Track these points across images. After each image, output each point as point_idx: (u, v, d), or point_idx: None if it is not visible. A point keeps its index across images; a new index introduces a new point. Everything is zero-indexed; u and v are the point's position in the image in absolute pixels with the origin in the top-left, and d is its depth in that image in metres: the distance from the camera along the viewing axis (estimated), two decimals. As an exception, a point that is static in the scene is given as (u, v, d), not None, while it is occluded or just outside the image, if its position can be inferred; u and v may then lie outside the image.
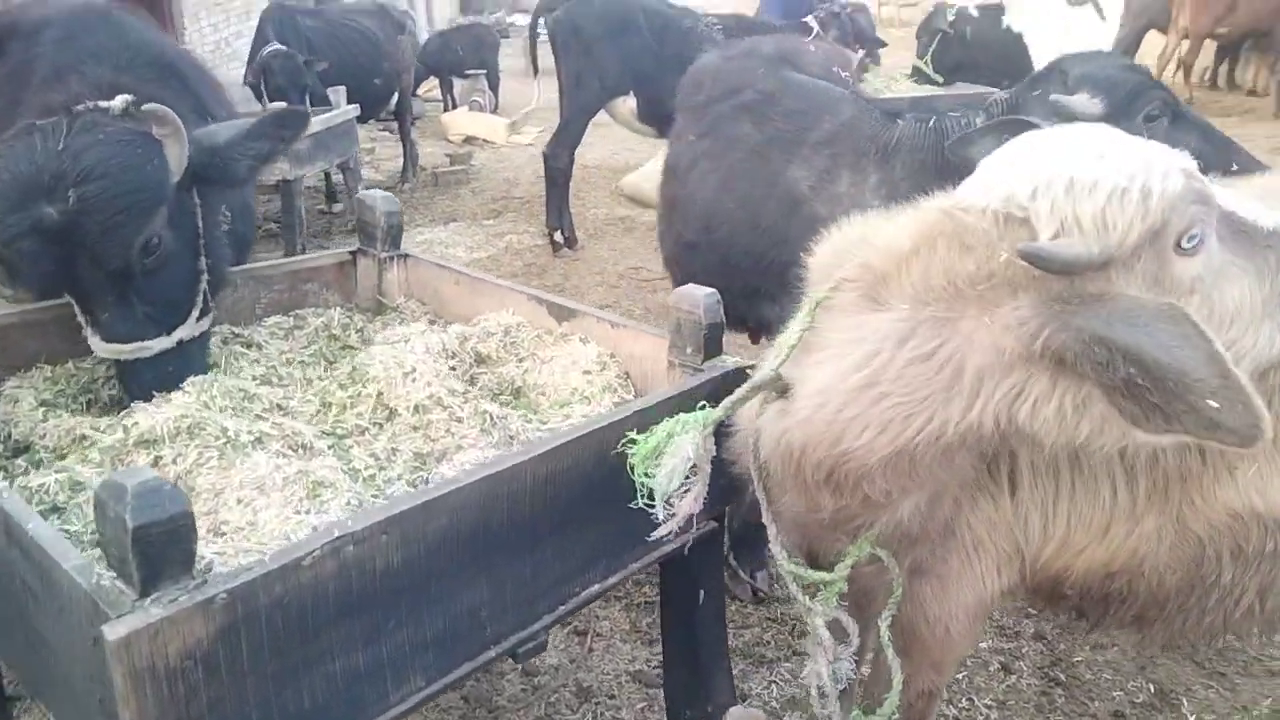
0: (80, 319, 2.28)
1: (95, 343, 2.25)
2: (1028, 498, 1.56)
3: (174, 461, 1.83)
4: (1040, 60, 7.77)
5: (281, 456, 1.93)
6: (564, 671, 2.75)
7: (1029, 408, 1.29)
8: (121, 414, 2.16)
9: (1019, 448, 1.52)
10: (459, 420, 2.13)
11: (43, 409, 2.28)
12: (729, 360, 2.17)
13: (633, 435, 1.56)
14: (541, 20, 7.14)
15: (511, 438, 2.15)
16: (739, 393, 1.52)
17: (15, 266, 2.15)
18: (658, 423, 1.90)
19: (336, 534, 1.45)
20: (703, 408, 1.61)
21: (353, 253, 3.08)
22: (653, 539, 1.60)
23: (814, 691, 1.69)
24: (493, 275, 2.95)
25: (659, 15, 6.78)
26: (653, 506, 1.53)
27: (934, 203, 1.51)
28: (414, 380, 2.23)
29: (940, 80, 7.99)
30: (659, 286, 6.62)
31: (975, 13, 7.80)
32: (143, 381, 2.22)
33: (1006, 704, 2.58)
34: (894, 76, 8.25)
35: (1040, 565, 1.61)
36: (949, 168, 2.58)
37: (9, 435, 2.17)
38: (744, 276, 3.01)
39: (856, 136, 2.89)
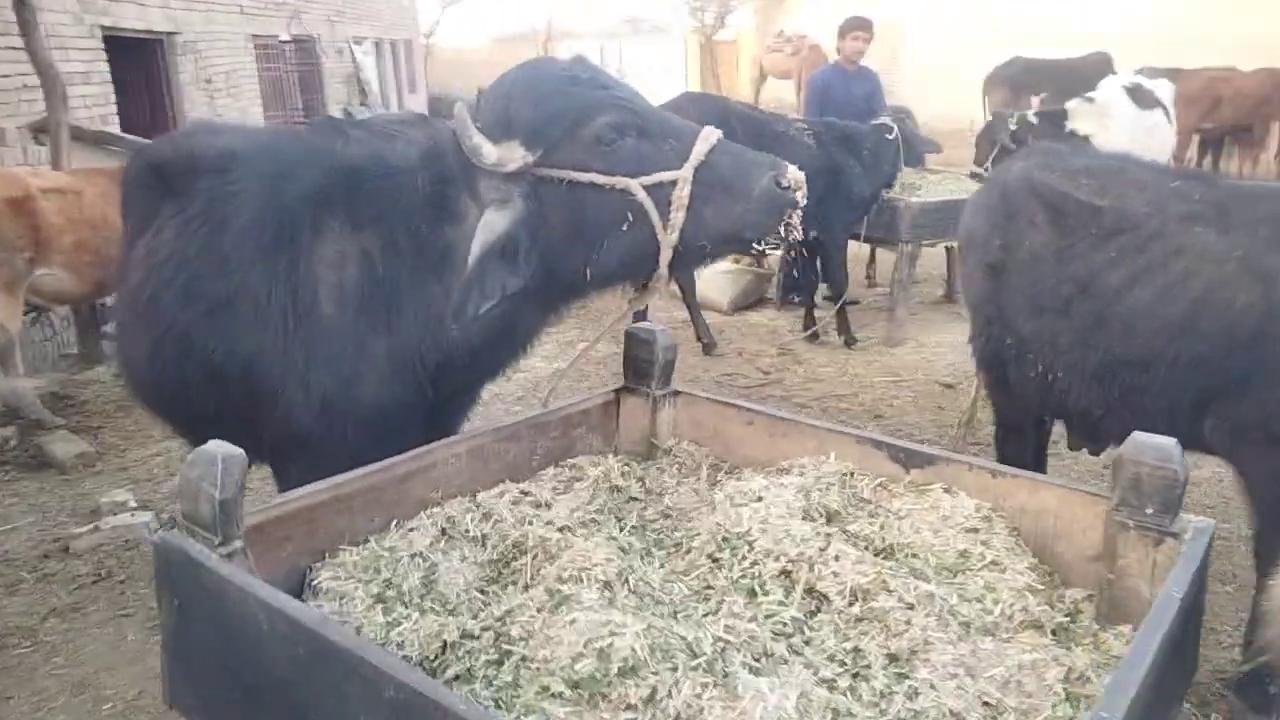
0: None
1: None
2: None
3: (670, 694, 1.47)
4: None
5: (755, 673, 1.59)
6: None
7: None
8: (497, 615, 1.80)
9: None
10: (909, 606, 1.80)
11: (379, 605, 1.90)
12: (1195, 519, 1.89)
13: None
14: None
15: (966, 625, 1.82)
16: None
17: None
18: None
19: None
20: None
21: (617, 391, 2.77)
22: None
23: None
24: (785, 410, 2.64)
25: (752, 120, 6.73)
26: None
27: None
28: (836, 558, 1.90)
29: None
30: (759, 394, 6.34)
31: (1034, 119, 7.91)
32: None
33: None
34: (955, 176, 8.28)
35: None
36: None
37: (352, 642, 1.78)
38: (1198, 384, 2.98)
39: None
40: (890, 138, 7.10)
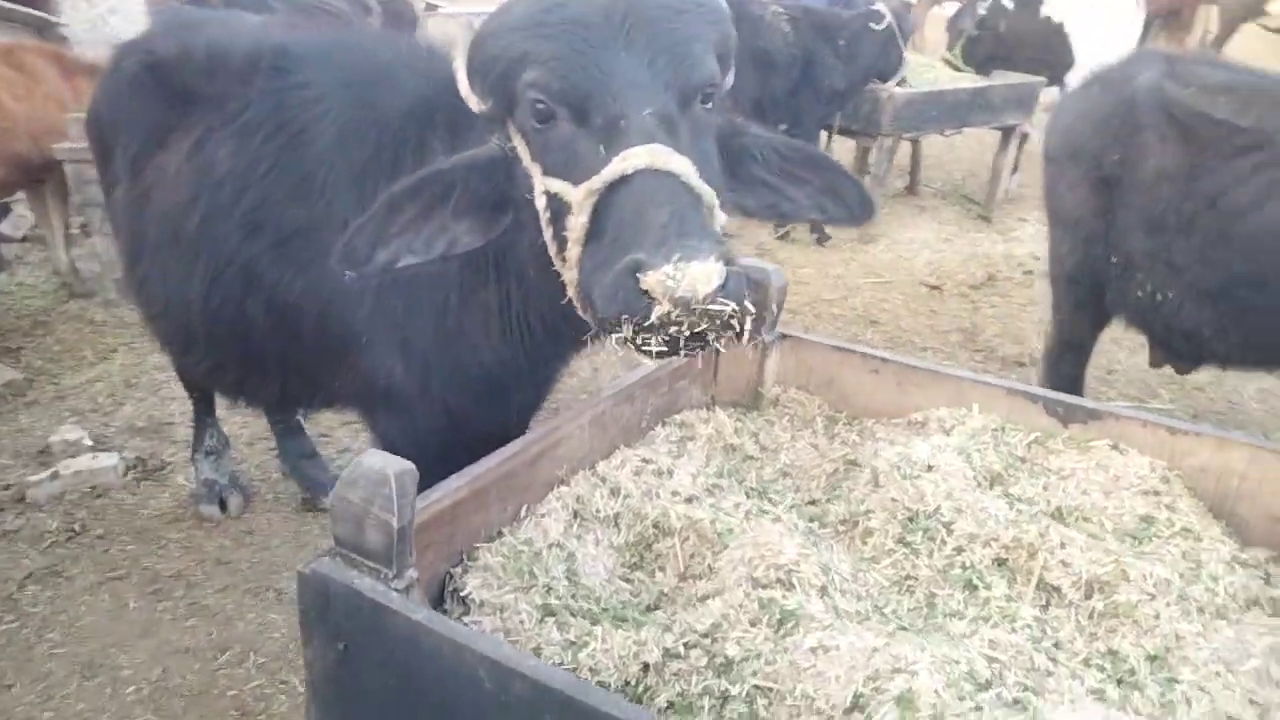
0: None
1: None
2: None
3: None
4: (1082, 49, 7.72)
5: (1038, 694, 1.41)
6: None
7: None
8: (700, 630, 1.56)
9: None
10: (1151, 597, 1.65)
11: (550, 619, 1.64)
12: None
13: None
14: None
15: (1200, 610, 1.69)
16: None
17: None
18: None
19: None
20: None
21: (718, 335, 2.48)
22: None
23: None
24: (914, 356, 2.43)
25: (731, 4, 6.24)
26: None
27: None
28: (1063, 544, 1.72)
29: (969, 72, 7.81)
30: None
31: (1009, 4, 7.65)
32: None
33: None
34: (930, 64, 8.02)
35: None
36: None
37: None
38: None
39: None
40: (878, 28, 6.70)
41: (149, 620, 3.09)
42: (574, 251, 1.65)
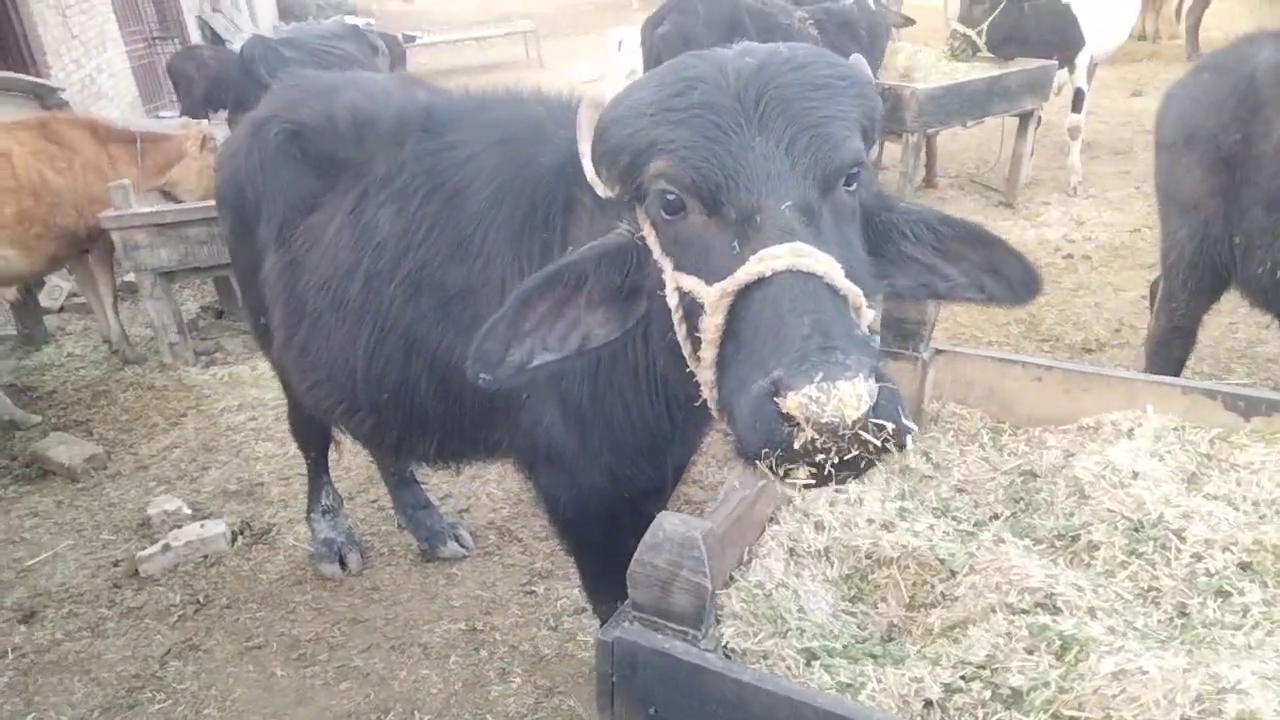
0: None
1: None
2: None
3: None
4: (1090, 32, 7.76)
5: None
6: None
7: None
8: (974, 661, 1.57)
9: None
10: None
11: (816, 663, 1.64)
12: None
13: None
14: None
15: None
16: None
17: None
18: None
19: None
20: None
21: (875, 356, 2.50)
22: None
23: None
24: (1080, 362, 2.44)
25: (761, 15, 6.33)
26: None
27: None
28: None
29: (983, 51, 7.81)
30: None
31: (1028, -23, 7.64)
32: None
33: None
34: (939, 56, 8.01)
35: None
36: None
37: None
38: None
39: None
40: (878, 18, 6.85)
41: (301, 688, 3.08)
42: (709, 354, 1.54)
